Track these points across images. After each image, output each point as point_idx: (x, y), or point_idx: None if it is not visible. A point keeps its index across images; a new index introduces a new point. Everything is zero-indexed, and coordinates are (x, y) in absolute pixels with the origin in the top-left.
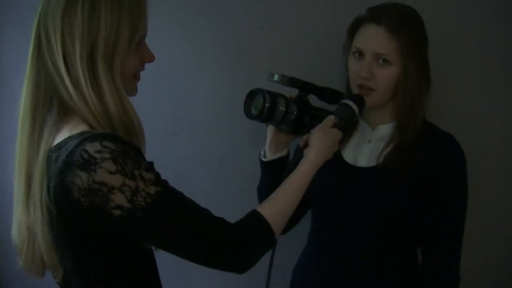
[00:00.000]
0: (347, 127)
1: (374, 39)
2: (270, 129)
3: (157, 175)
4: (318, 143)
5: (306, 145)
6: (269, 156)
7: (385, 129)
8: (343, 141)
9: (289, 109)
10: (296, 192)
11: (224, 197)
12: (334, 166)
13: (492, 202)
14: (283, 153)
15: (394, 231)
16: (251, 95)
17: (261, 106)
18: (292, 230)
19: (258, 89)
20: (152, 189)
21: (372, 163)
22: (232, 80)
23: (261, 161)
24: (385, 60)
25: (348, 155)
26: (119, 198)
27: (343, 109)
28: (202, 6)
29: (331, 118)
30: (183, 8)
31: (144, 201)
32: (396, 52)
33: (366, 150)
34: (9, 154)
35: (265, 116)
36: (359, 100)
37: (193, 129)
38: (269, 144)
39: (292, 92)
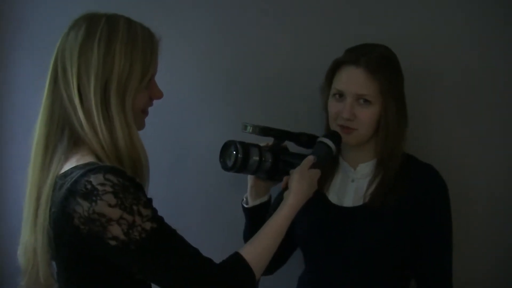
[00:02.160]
0: (326, 165)
1: (355, 80)
2: (250, 177)
3: (154, 211)
4: (297, 186)
5: (287, 187)
6: (251, 203)
7: (367, 167)
8: (326, 182)
9: (263, 158)
10: (276, 235)
11: (216, 232)
12: (320, 208)
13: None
14: (264, 198)
15: (385, 267)
16: (225, 148)
17: (234, 158)
18: (284, 270)
19: (231, 141)
20: (147, 225)
21: (358, 202)
22: (232, 121)
23: (243, 207)
24: (366, 101)
25: (333, 196)
26: (115, 230)
27: (321, 148)
28: (208, 44)
29: (309, 159)
30: (189, 47)
31: (139, 235)
32: (376, 92)
33: (350, 189)
34: (22, 179)
35: (239, 167)
36: (335, 137)
37: (193, 167)
38: (250, 191)
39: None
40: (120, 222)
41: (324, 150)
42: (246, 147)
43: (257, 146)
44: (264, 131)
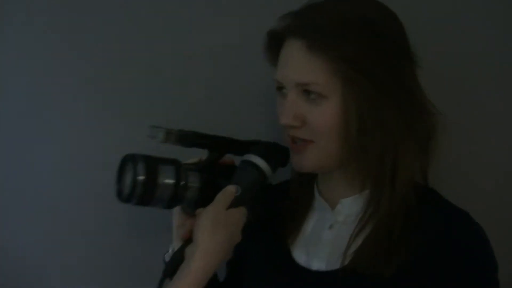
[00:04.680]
0: (256, 198)
1: (293, 61)
2: (176, 212)
3: None
4: (207, 239)
5: (189, 239)
6: None
7: (353, 205)
8: (293, 231)
9: (183, 181)
10: None
11: None
12: (281, 272)
13: None
14: None
15: None
16: (122, 167)
17: (132, 182)
18: None
19: (130, 156)
20: None
21: (335, 263)
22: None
23: (164, 261)
24: (315, 93)
25: (300, 253)
26: None
27: (246, 171)
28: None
29: (228, 191)
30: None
31: None
32: (329, 77)
33: (326, 242)
34: None
35: (141, 196)
36: (271, 152)
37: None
38: (175, 233)
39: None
40: None
41: (251, 175)
42: (151, 165)
43: (173, 162)
44: (185, 139)
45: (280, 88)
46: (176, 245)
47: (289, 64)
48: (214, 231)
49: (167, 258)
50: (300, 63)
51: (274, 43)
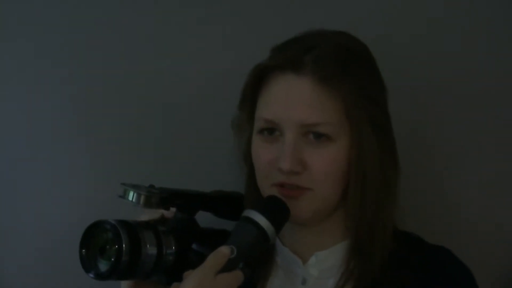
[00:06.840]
0: (254, 262)
1: (297, 99)
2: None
3: None
4: None
5: None
6: None
7: (329, 258)
8: None
9: (163, 247)
10: None
11: None
12: None
13: None
14: None
15: None
16: (92, 235)
17: (116, 255)
18: None
19: (104, 223)
20: None
21: None
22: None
23: None
24: (321, 135)
25: None
26: None
27: (244, 231)
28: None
29: (221, 253)
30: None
31: None
32: (339, 117)
33: None
34: None
35: (125, 271)
36: (275, 208)
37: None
38: None
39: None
40: None
41: (251, 234)
42: (133, 231)
43: (148, 226)
44: (166, 201)
45: (269, 131)
46: None
47: (292, 102)
48: None
49: None
50: (309, 101)
51: (258, 80)
